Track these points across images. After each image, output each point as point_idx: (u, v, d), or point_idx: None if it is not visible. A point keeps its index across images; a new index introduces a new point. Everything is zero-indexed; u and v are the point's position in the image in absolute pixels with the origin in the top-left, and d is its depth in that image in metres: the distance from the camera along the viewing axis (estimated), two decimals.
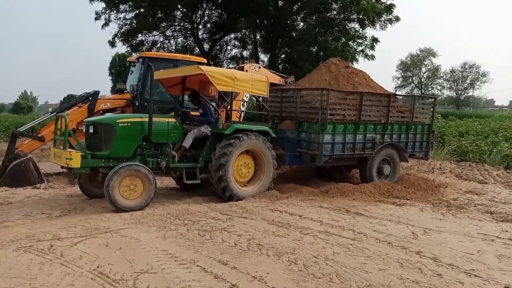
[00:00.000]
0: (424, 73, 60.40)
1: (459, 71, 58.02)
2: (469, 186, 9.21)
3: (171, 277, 3.79)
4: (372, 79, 9.73)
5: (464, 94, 59.62)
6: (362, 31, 17.79)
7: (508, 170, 10.75)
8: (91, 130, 6.41)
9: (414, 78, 60.92)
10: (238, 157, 7.18)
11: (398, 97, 9.62)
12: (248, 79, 7.36)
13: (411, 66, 60.35)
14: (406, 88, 60.43)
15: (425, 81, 60.25)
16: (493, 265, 4.29)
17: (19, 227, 5.26)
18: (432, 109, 9.84)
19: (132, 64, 10.86)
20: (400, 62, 61.62)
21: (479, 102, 65.08)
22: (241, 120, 9.39)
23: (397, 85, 61.27)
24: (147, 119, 6.56)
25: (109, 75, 23.87)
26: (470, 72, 57.47)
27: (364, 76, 9.55)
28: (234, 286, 3.63)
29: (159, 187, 8.51)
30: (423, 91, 58.36)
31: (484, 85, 68.13)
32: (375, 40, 18.17)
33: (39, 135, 9.04)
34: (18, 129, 9.11)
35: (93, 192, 7.03)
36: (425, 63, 59.67)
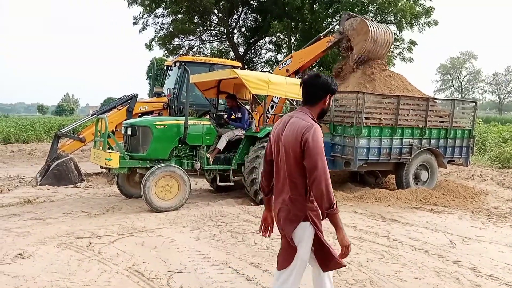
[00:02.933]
0: (464, 76, 58.44)
1: (502, 74, 55.76)
2: None
3: (203, 277, 3.85)
4: (409, 83, 9.52)
5: (507, 98, 57.15)
6: (399, 33, 17.43)
7: None
8: (129, 132, 6.60)
9: (454, 81, 58.99)
10: None
11: (436, 101, 9.32)
12: (282, 83, 7.37)
13: (451, 69, 58.50)
14: (445, 92, 58.76)
15: (466, 85, 58.27)
16: None
17: (60, 224, 5.49)
18: (472, 114, 9.49)
19: (170, 68, 11.13)
20: (440, 65, 59.89)
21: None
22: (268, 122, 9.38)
23: (436, 88, 59.59)
24: (183, 122, 6.69)
25: (147, 78, 24.43)
26: None
27: (401, 79, 9.36)
28: None
29: (194, 188, 8.65)
30: (463, 95, 56.41)
31: None
32: (413, 42, 17.74)
33: (80, 136, 9.41)
34: (60, 130, 9.52)
35: (130, 192, 7.24)
36: (466, 66, 57.69)
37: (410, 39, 18.07)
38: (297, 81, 7.93)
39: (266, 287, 3.66)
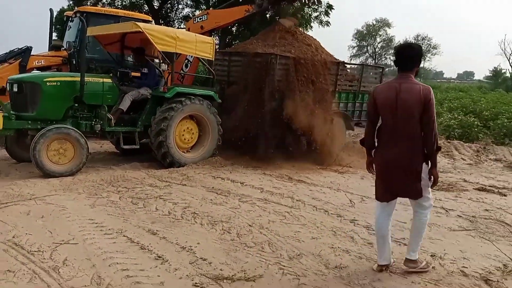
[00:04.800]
0: (378, 43, 61.26)
1: (413, 42, 59.31)
2: None
3: (92, 248, 3.55)
4: (323, 47, 9.57)
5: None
6: None
7: (448, 140, 11.14)
8: (15, 89, 5.86)
9: (369, 48, 61.69)
10: (180, 122, 6.88)
11: (346, 65, 9.53)
12: (192, 40, 6.97)
13: (366, 35, 60.93)
14: (361, 58, 61.19)
15: (379, 51, 61.21)
16: (424, 234, 4.37)
17: None
18: (380, 79, 9.88)
19: (70, 19, 10.02)
20: (356, 31, 62.06)
21: (429, 73, 67.33)
22: (183, 82, 8.97)
23: (352, 54, 61.92)
24: (79, 79, 6.07)
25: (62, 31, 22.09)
26: (422, 44, 58.93)
27: (314, 43, 9.37)
28: (160, 257, 3.45)
29: (97, 151, 8.13)
30: (376, 61, 59.41)
31: (434, 57, 70.25)
32: (330, 7, 17.91)
33: None
34: None
35: (21, 156, 6.52)
36: (380, 33, 60.44)
37: (327, 3, 18.20)
38: (208, 39, 7.61)
39: (161, 255, 3.47)
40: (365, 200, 5.56)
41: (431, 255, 3.75)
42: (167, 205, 4.81)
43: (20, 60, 8.61)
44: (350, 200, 5.46)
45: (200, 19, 10.11)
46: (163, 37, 6.53)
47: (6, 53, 8.92)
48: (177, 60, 8.15)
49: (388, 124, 3.31)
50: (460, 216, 4.97)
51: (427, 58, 59.10)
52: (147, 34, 6.26)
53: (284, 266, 3.44)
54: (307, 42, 9.12)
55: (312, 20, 18.21)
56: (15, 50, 8.89)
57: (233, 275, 3.22)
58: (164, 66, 7.74)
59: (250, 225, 4.31)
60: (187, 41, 6.86)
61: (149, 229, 4.06)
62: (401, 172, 3.29)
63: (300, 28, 10.71)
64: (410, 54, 3.26)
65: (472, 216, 4.98)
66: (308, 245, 3.88)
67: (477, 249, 4.02)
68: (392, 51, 60.89)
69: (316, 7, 17.77)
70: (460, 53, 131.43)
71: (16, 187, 5.12)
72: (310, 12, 18.10)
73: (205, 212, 4.65)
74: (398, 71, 3.32)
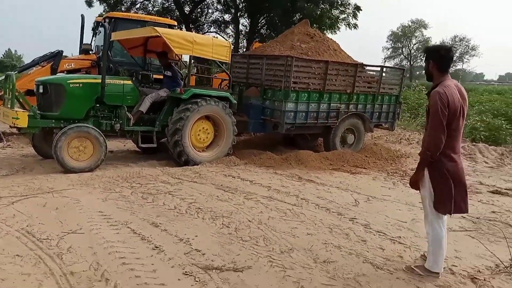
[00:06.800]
0: (414, 44, 59.97)
1: (449, 43, 57.59)
2: None
3: (97, 237, 3.82)
4: (341, 49, 9.61)
5: (453, 67, 59.49)
6: None
7: (474, 143, 10.86)
8: (41, 90, 6.28)
9: (404, 49, 60.46)
10: (196, 122, 7.12)
11: (366, 67, 9.50)
12: (208, 43, 7.20)
13: (401, 37, 59.78)
14: (395, 59, 60.19)
15: (415, 53, 59.87)
16: (422, 233, 4.35)
17: None
18: (400, 81, 9.78)
19: (100, 24, 10.56)
20: (391, 32, 60.99)
21: (468, 75, 65.12)
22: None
23: (386, 55, 60.93)
24: (100, 80, 6.44)
25: (92, 36, 23.09)
26: (460, 45, 57.20)
27: (333, 45, 9.42)
28: (157, 247, 3.67)
29: (120, 149, 8.51)
30: (412, 62, 58.16)
31: (473, 59, 67.92)
32: (357, 8, 17.77)
33: (1, 94, 8.85)
34: None
35: (47, 152, 6.93)
36: (416, 34, 59.15)
37: (354, 4, 18.10)
38: (225, 42, 7.82)
39: (158, 246, 3.69)
40: (371, 200, 5.59)
41: (421, 254, 3.77)
42: (174, 200, 5.04)
43: (52, 63, 9.17)
44: (355, 200, 5.51)
45: None
46: (180, 40, 6.80)
47: (40, 56, 9.51)
48: None
49: (458, 129, 3.24)
50: (464, 217, 4.92)
51: (465, 60, 57.24)
52: (164, 38, 6.54)
53: (274, 259, 3.58)
54: (326, 44, 9.22)
55: (339, 22, 18.13)
56: (48, 54, 9.48)
57: (222, 266, 3.40)
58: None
59: (249, 221, 4.47)
60: (204, 44, 7.09)
61: (153, 222, 4.29)
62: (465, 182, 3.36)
63: (321, 31, 10.76)
64: (452, 56, 3.35)
65: (476, 218, 4.93)
66: (302, 241, 4.00)
67: (473, 249, 4.01)
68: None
69: (343, 9, 17.72)
70: (503, 54, 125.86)
71: (37, 181, 5.50)
72: (337, 14, 18.05)
73: (209, 207, 4.84)
74: (442, 73, 3.28)
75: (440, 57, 3.28)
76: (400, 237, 4.23)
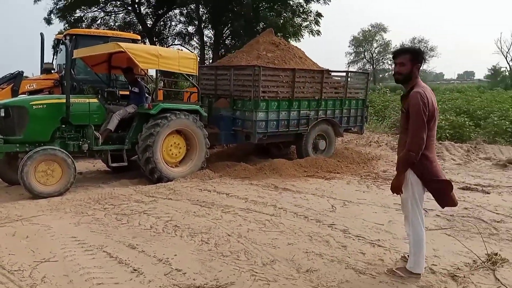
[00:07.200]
0: (375, 48, 61.59)
1: (409, 45, 59.51)
2: None
3: (71, 264, 3.66)
4: (307, 56, 9.74)
5: None
6: (306, 5, 17.74)
7: (440, 141, 11.20)
8: (2, 114, 6.03)
9: (366, 53, 62.00)
10: (167, 137, 7.02)
11: (331, 73, 9.67)
12: (174, 57, 7.16)
13: (363, 41, 61.28)
14: (358, 64, 61.56)
15: (377, 56, 61.50)
16: (399, 235, 4.44)
17: None
18: (366, 84, 10.01)
19: (61, 41, 10.29)
20: (352, 37, 62.46)
21: (429, 75, 67.37)
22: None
23: (350, 60, 62.27)
24: (64, 100, 6.24)
25: (53, 54, 22.49)
26: (419, 46, 59.15)
27: (298, 53, 9.54)
28: (136, 270, 3.56)
29: (90, 170, 8.27)
30: (374, 66, 59.69)
31: (432, 59, 70.43)
32: (319, 15, 18.15)
33: None
34: None
35: (13, 178, 6.64)
36: (376, 38, 60.80)
37: (316, 11, 18.45)
38: (191, 54, 7.79)
39: (137, 268, 3.58)
40: (347, 204, 5.64)
41: (402, 256, 3.82)
42: (150, 220, 4.92)
43: (12, 84, 8.85)
44: (332, 205, 5.55)
45: None
46: (145, 55, 6.72)
47: None
48: None
49: (435, 129, 3.28)
50: (439, 216, 5.04)
51: (426, 60, 59.24)
52: (129, 53, 6.45)
53: (256, 272, 3.53)
54: (291, 52, 9.33)
55: (303, 29, 18.44)
56: (8, 75, 9.14)
57: (205, 284, 3.32)
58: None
59: (229, 235, 4.41)
60: (169, 57, 7.04)
61: (129, 244, 4.17)
62: None
63: (285, 39, 10.89)
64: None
65: (450, 215, 5.05)
66: (283, 251, 3.98)
67: (450, 246, 4.10)
68: (390, 55, 61.38)
69: (305, 17, 18.03)
70: (460, 54, 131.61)
71: (5, 210, 5.25)
72: (300, 22, 18.35)
73: (187, 224, 4.75)
74: (417, 75, 3.35)
75: (423, 59, 3.45)
76: (379, 240, 4.28)
